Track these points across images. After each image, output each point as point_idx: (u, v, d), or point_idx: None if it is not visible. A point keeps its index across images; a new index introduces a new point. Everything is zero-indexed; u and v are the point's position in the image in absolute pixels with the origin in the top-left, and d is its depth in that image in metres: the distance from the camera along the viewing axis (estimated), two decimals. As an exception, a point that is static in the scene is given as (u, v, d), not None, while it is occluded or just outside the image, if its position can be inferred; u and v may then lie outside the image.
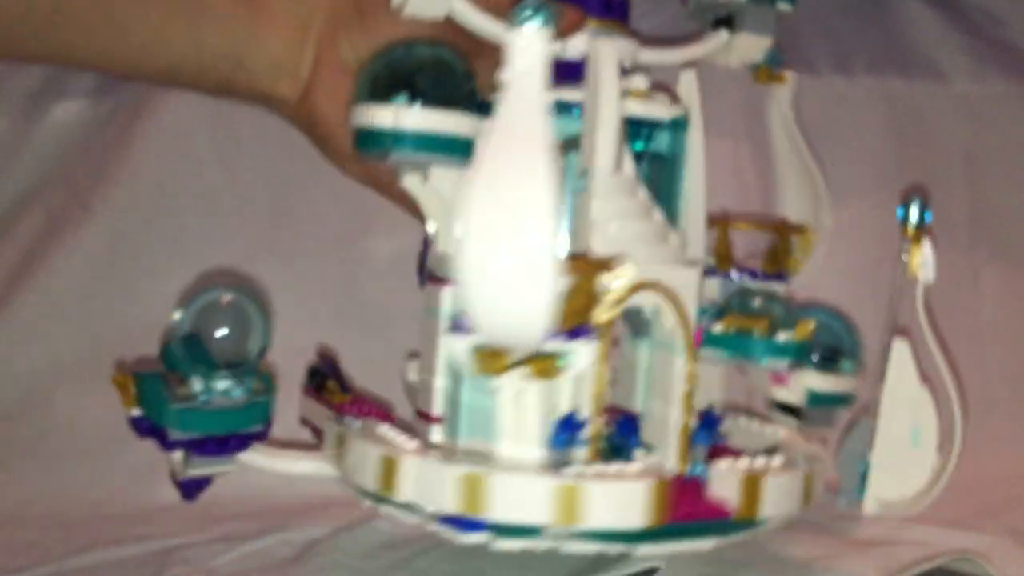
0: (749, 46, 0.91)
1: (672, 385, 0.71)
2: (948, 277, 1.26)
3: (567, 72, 0.79)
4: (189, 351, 0.77)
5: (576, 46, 0.80)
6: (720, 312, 0.89)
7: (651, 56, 0.86)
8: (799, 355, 0.86)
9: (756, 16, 0.90)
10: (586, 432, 0.68)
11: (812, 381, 0.86)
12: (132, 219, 1.16)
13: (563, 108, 0.76)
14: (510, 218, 0.60)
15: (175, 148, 1.17)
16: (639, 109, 0.78)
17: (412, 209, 0.81)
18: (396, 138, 0.68)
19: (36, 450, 1.12)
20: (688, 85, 0.83)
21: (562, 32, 0.70)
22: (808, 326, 0.85)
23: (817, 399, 0.86)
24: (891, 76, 1.28)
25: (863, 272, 1.25)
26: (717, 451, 0.77)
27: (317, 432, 0.85)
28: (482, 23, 0.79)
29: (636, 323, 0.77)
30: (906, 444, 0.84)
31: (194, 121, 1.17)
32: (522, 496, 0.64)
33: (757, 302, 0.90)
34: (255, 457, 0.82)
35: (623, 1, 0.84)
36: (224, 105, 1.15)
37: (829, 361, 0.87)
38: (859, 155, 1.26)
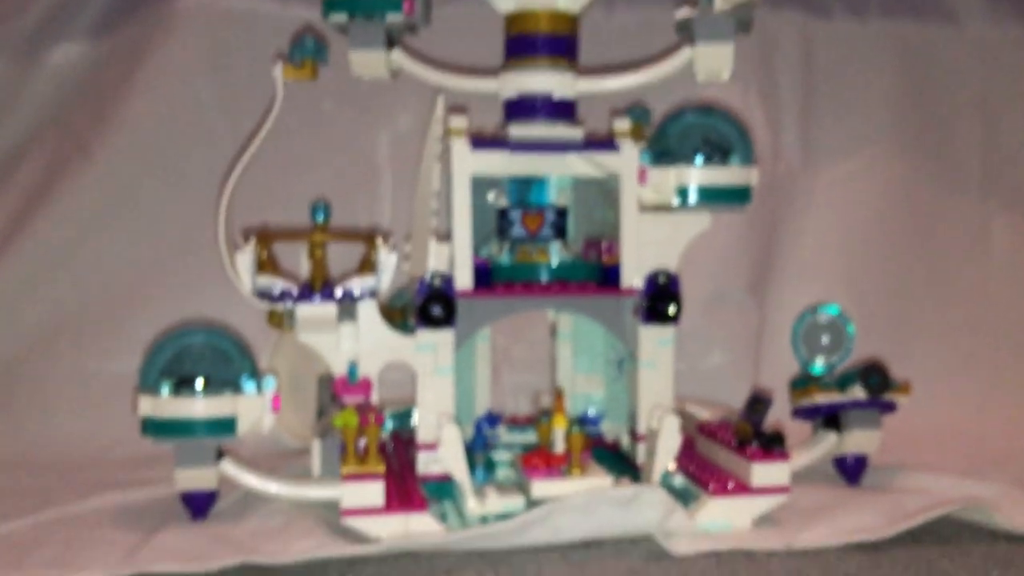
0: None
1: None
2: (958, 227, 1.34)
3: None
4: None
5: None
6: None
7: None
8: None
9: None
10: None
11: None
12: (132, 164, 1.19)
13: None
14: None
15: (175, 92, 1.19)
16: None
17: None
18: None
19: (39, 397, 1.16)
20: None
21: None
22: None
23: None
24: (904, 19, 1.32)
25: (873, 218, 1.31)
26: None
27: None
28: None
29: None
30: None
31: (194, 64, 1.19)
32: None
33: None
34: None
35: (570, 40, 0.94)
36: (224, 48, 1.19)
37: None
38: (871, 100, 1.31)
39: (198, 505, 0.90)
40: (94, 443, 1.13)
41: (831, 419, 1.01)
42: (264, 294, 0.91)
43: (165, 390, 0.86)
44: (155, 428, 0.87)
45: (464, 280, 0.90)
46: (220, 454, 0.90)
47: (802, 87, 1.31)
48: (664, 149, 0.94)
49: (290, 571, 0.77)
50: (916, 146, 1.32)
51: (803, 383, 1.02)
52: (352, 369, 0.89)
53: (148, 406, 0.87)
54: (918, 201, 1.32)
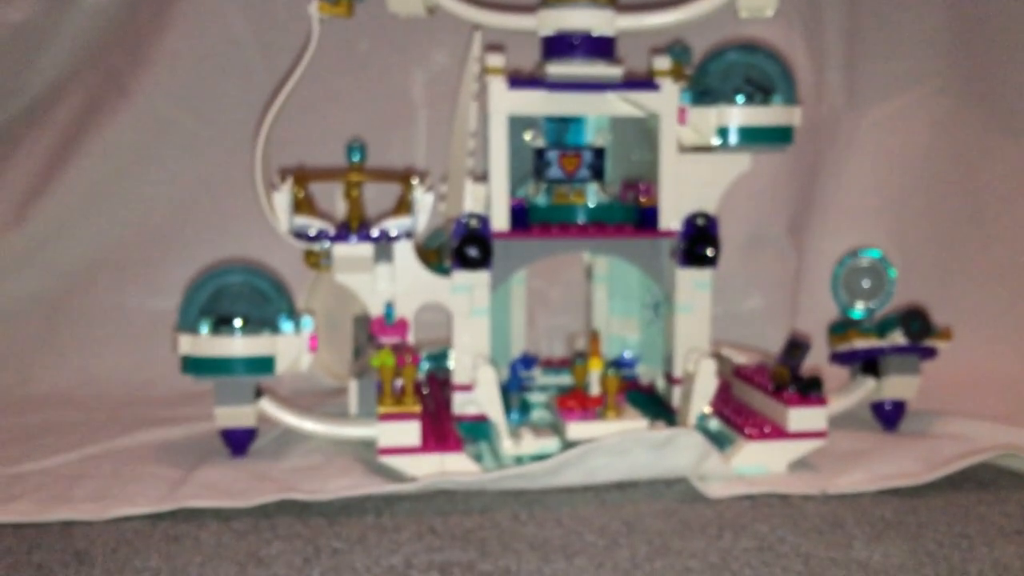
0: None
1: None
2: (1004, 170, 1.30)
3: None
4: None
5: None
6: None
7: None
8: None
9: None
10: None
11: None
12: (169, 102, 1.19)
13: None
14: None
15: (211, 29, 1.19)
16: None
17: None
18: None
19: (81, 334, 1.19)
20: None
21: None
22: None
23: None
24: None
25: (917, 161, 1.29)
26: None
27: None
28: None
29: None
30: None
31: (230, 1, 1.19)
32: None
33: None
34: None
35: None
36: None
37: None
38: (917, 40, 1.28)
39: (238, 442, 0.91)
40: (135, 380, 1.15)
41: (869, 364, 1.00)
42: (301, 234, 0.91)
43: (204, 329, 0.87)
44: (195, 366, 0.88)
45: (500, 221, 0.90)
46: (259, 392, 0.91)
47: (847, 25, 1.28)
48: (705, 88, 0.92)
49: (328, 508, 0.79)
50: (963, 87, 1.29)
51: (842, 328, 1.01)
52: (388, 310, 0.89)
53: (187, 345, 0.88)
54: (963, 143, 1.29)
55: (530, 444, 0.85)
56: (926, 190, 1.29)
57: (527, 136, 0.96)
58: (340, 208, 0.96)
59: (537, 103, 0.91)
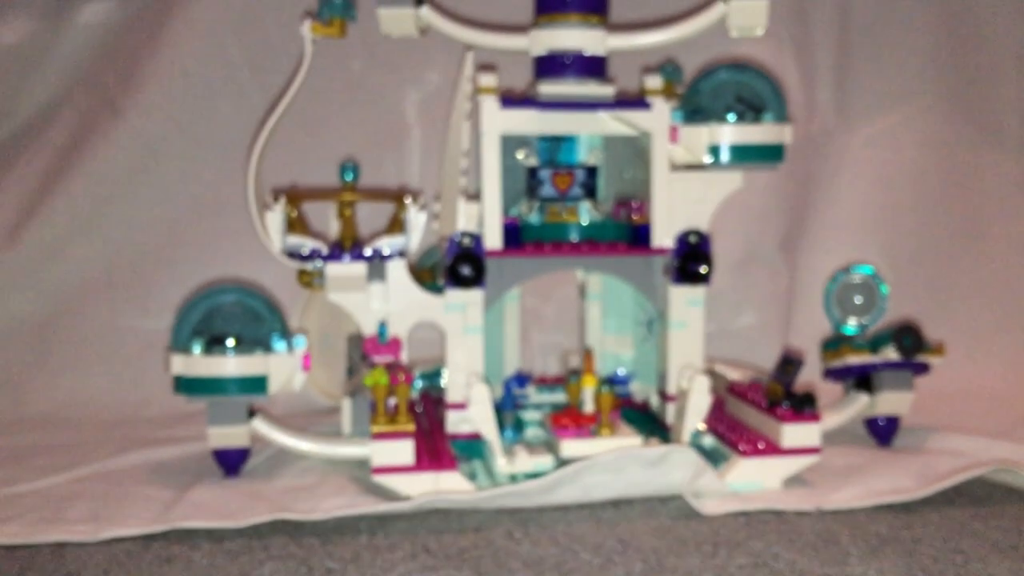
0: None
1: None
2: (995, 186, 1.31)
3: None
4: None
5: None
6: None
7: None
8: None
9: None
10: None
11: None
12: (162, 122, 1.19)
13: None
14: None
15: (204, 50, 1.19)
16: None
17: None
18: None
19: (73, 355, 1.18)
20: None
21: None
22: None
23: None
24: (942, -26, 1.28)
25: (909, 177, 1.29)
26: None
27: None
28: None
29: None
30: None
31: (223, 22, 1.19)
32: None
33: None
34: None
35: None
36: (252, 5, 1.19)
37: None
38: (908, 57, 1.29)
39: (231, 462, 0.91)
40: (127, 401, 1.15)
41: (863, 380, 1.00)
42: (294, 253, 0.91)
43: (197, 349, 0.87)
44: (187, 386, 0.88)
45: (493, 240, 0.90)
46: (252, 412, 0.91)
47: (838, 43, 1.29)
48: (696, 107, 0.93)
49: (321, 528, 0.78)
50: (953, 103, 1.30)
51: (835, 344, 1.01)
52: (382, 328, 0.90)
53: (180, 364, 0.88)
54: (954, 159, 1.30)
55: (524, 462, 0.85)
56: (917, 206, 1.30)
57: (520, 155, 0.97)
58: (333, 227, 0.96)
59: (529, 122, 0.92)
